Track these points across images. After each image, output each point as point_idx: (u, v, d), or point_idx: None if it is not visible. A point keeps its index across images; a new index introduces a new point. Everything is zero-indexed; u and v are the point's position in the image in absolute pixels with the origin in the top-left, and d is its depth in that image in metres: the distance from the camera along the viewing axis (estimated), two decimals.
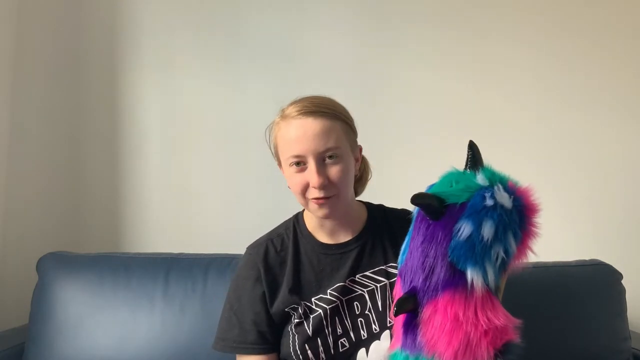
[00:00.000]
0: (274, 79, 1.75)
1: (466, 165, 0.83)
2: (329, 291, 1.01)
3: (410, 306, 0.78)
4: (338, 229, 1.04)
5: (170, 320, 1.30)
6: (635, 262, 1.60)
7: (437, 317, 0.75)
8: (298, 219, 1.09)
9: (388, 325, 0.98)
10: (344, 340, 0.98)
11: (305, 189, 0.96)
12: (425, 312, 0.77)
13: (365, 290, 1.01)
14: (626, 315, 1.35)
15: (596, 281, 1.36)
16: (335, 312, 0.99)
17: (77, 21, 1.76)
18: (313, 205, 0.97)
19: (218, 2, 1.77)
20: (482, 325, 0.73)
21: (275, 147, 1.01)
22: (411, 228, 0.85)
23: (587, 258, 1.44)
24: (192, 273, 1.35)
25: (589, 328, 1.31)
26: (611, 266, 1.39)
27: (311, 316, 0.99)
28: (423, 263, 0.78)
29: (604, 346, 1.31)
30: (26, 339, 1.34)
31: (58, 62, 1.74)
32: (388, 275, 1.01)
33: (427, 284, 0.77)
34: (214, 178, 1.76)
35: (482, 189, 0.78)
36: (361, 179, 1.11)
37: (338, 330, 0.99)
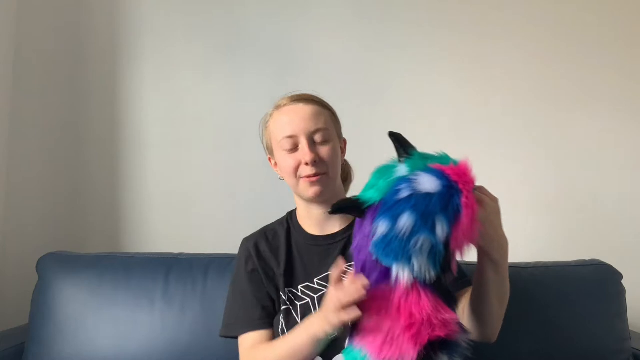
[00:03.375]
0: (273, 80, 1.75)
1: (399, 156, 0.82)
2: (316, 280, 1.03)
3: None
4: (326, 219, 1.07)
5: (170, 320, 1.30)
6: (635, 262, 1.60)
7: (365, 313, 0.75)
8: (292, 214, 1.14)
9: None
10: None
11: (296, 168, 1.01)
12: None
13: None
14: (626, 315, 1.35)
15: (596, 281, 1.36)
16: (322, 300, 1.00)
17: (77, 22, 1.75)
18: (304, 183, 1.01)
19: (218, 2, 1.77)
20: (404, 320, 0.71)
21: (268, 138, 1.08)
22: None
23: (587, 258, 1.43)
24: (192, 273, 1.35)
25: (589, 328, 1.31)
26: (611, 266, 1.38)
27: (298, 304, 1.01)
28: (357, 260, 0.79)
29: (604, 346, 1.31)
30: (26, 339, 1.34)
31: (58, 63, 1.74)
32: None
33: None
34: (213, 178, 1.75)
35: (398, 181, 0.75)
36: (346, 180, 1.16)
37: None
